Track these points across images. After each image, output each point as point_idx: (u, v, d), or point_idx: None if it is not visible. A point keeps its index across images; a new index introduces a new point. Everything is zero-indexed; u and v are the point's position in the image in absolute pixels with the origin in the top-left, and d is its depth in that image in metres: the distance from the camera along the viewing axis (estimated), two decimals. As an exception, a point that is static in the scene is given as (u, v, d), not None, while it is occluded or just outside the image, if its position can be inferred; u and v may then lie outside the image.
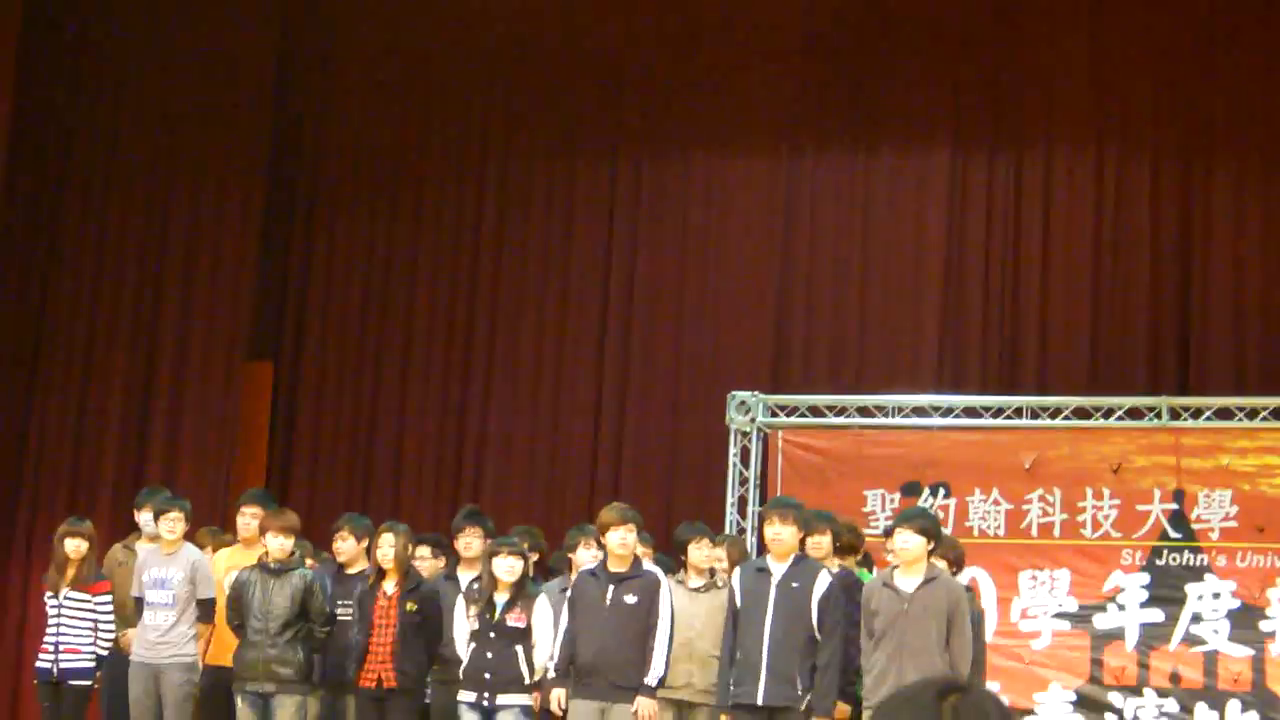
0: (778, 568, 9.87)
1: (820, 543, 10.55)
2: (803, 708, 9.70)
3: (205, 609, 11.08)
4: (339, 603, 10.84)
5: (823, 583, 9.83)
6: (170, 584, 11.00)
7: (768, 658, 9.73)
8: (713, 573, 10.80)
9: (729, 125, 15.67)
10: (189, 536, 11.42)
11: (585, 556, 10.99)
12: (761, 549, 10.87)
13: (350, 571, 11.15)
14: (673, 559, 11.03)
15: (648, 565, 10.21)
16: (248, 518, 11.55)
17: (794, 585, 9.81)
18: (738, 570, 10.33)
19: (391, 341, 16.00)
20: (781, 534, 9.93)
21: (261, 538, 11.03)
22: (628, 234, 15.78)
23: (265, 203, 16.10)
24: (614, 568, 10.03)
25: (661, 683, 9.87)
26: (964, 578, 11.11)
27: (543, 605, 10.36)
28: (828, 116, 15.59)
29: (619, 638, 9.85)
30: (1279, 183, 14.71)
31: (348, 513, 11.85)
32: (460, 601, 10.51)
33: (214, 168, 15.79)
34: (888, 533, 10.37)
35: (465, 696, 10.25)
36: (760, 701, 9.76)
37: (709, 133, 15.72)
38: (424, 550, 11.64)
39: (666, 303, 15.62)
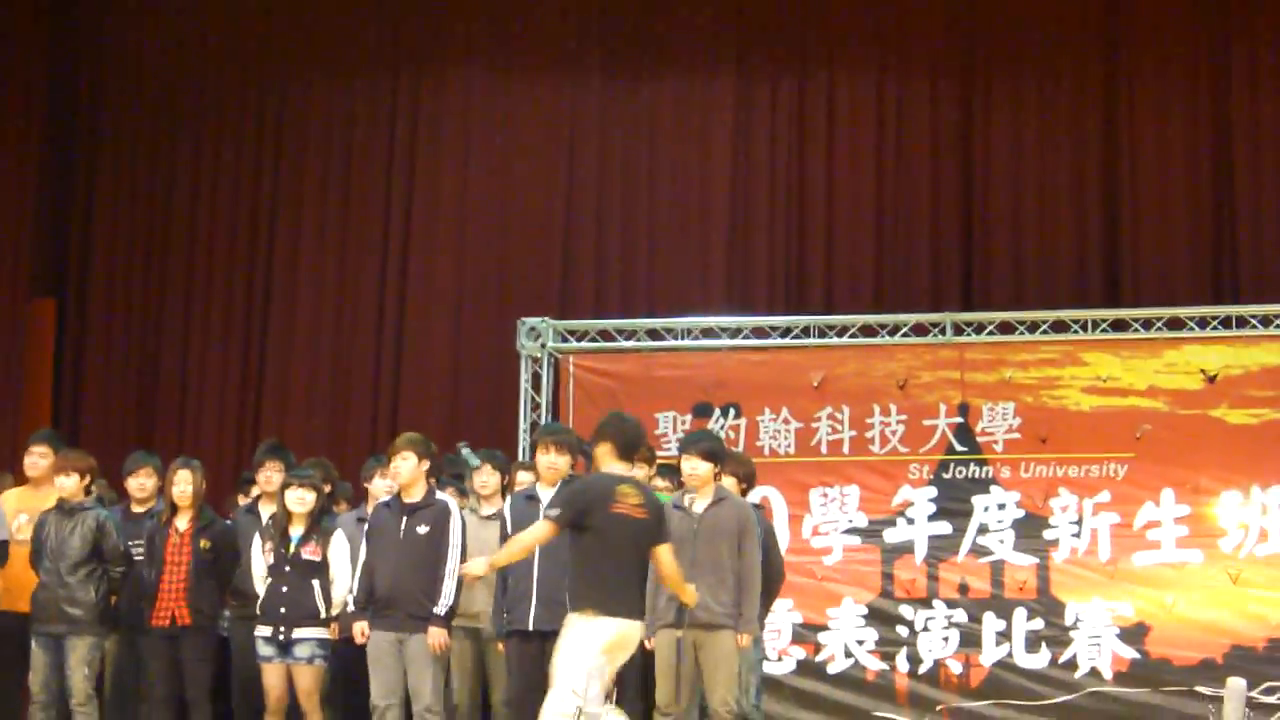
0: (546, 494, 9.88)
1: (602, 467, 10.56)
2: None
3: (-1, 550, 10.93)
4: (131, 543, 10.75)
5: None
6: (-39, 525, 10.83)
7: (537, 584, 9.78)
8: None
9: (512, 45, 15.63)
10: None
11: (380, 486, 11.01)
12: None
13: (138, 510, 11.05)
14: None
15: (440, 495, 10.21)
16: (36, 457, 11.37)
17: None
18: (509, 498, 10.37)
19: (176, 274, 15.81)
20: (556, 462, 9.96)
21: (53, 478, 10.89)
22: (408, 156, 15.67)
23: (44, 136, 15.80)
24: (406, 498, 10.02)
25: (453, 611, 9.89)
26: (755, 496, 11.22)
27: (339, 539, 10.39)
28: (612, 37, 15.60)
29: (413, 568, 9.84)
30: (1055, 99, 14.98)
31: (138, 451, 11.67)
32: (257, 537, 10.51)
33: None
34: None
35: (262, 631, 10.27)
36: (530, 627, 9.83)
37: (491, 53, 15.66)
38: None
39: (450, 227, 15.53)
